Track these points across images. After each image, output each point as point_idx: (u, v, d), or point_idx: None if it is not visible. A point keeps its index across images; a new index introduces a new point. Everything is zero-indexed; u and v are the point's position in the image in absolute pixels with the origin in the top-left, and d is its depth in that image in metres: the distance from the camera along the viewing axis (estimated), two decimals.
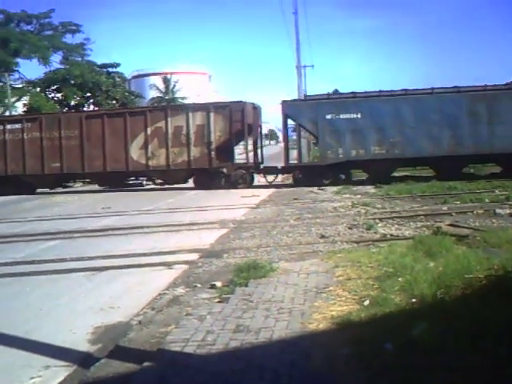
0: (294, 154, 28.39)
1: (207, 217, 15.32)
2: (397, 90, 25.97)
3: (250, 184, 26.46)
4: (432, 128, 24.65)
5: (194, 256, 10.12)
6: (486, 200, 16.27)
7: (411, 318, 5.26)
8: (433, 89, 25.83)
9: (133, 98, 55.23)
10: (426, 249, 8.34)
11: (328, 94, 28.92)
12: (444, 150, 24.62)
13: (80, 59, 50.80)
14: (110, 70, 51.88)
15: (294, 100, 29.95)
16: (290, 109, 26.69)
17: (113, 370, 5.01)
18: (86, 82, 47.71)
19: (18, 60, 48.11)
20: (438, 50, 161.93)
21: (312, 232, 12.01)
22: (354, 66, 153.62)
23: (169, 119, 26.46)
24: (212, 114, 26.35)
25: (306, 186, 23.94)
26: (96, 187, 28.29)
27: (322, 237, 11.33)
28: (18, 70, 49.28)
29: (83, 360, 5.39)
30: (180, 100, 59.07)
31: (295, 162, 27.46)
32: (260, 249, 10.44)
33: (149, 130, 26.50)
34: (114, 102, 50.76)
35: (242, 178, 26.44)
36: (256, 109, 28.08)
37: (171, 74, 68.42)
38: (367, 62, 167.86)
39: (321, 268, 8.09)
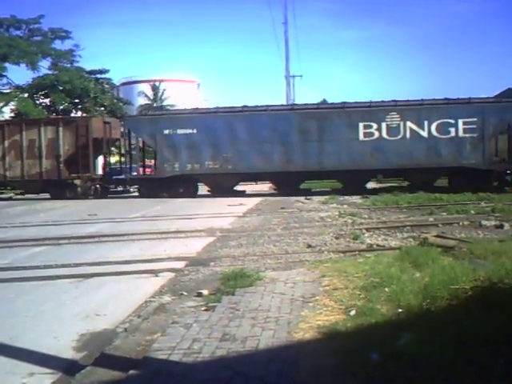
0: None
1: (194, 225, 15.30)
2: (236, 107, 27.21)
3: (101, 195, 27.85)
4: (264, 144, 25.53)
5: (180, 264, 10.09)
6: (472, 212, 16.39)
7: (397, 328, 5.28)
8: (268, 106, 26.98)
9: (121, 104, 55.04)
10: (412, 259, 8.38)
11: (167, 110, 31.29)
12: (276, 166, 25.59)
13: (69, 65, 50.57)
14: (99, 76, 51.63)
15: (136, 115, 31.80)
16: (131, 124, 28.39)
17: (98, 377, 4.98)
18: (74, 88, 47.46)
19: (7, 65, 47.79)
20: (427, 60, 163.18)
21: (299, 241, 12.03)
22: (342, 76, 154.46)
23: (24, 133, 28.11)
24: (61, 129, 28.03)
25: (150, 198, 25.35)
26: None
27: (309, 246, 11.36)
28: (6, 75, 48.97)
29: (68, 367, 5.34)
30: (168, 107, 58.92)
31: (135, 174, 29.05)
32: (247, 257, 10.44)
33: (6, 143, 28.25)
34: (103, 108, 50.57)
35: (90, 189, 27.94)
36: (109, 123, 29.32)
37: (160, 81, 68.42)
38: (356, 72, 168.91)
39: (307, 277, 8.10)
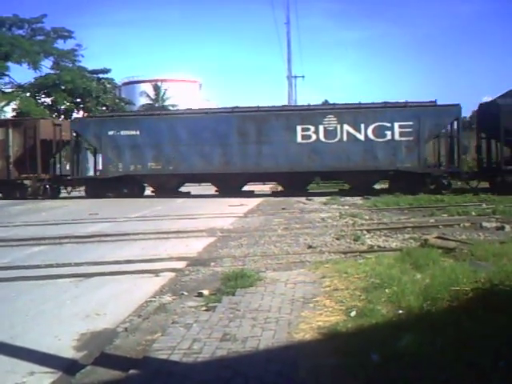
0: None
1: (195, 225, 15.30)
2: (178, 110, 28.25)
3: (52, 196, 28.27)
4: (205, 146, 25.96)
5: (181, 264, 10.09)
6: (473, 213, 16.39)
7: (398, 329, 5.27)
8: (209, 109, 28.54)
9: (123, 104, 55.10)
10: (413, 261, 8.37)
11: (113, 112, 31.91)
12: (216, 167, 26.02)
13: (71, 65, 50.60)
14: (101, 75, 51.70)
15: (82, 117, 33.73)
16: (77, 126, 28.70)
17: (98, 377, 4.97)
18: (76, 88, 47.52)
19: (9, 64, 47.83)
20: (429, 61, 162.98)
21: (299, 242, 12.03)
22: (344, 77, 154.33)
23: None
24: (10, 130, 28.43)
25: (97, 198, 25.75)
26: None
27: (310, 247, 11.35)
28: (8, 75, 49.01)
29: (68, 367, 5.34)
30: (170, 107, 58.94)
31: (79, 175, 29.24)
32: (247, 258, 10.44)
33: None
34: (105, 108, 50.61)
35: (40, 189, 28.32)
36: (59, 125, 29.81)
37: (162, 81, 68.40)
38: (358, 72, 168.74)
39: (308, 278, 8.09)
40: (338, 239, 12.20)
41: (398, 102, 26.27)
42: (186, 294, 7.80)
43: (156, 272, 9.40)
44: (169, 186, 26.86)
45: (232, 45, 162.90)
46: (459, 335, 4.92)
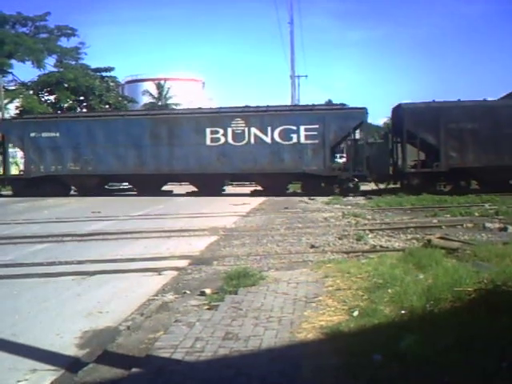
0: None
1: (198, 224, 15.30)
2: (95, 113, 30.90)
3: None
4: (120, 148, 26.72)
5: (183, 263, 10.09)
6: (476, 214, 16.37)
7: (400, 329, 5.27)
8: (125, 112, 29.62)
9: (126, 102, 55.09)
10: (415, 261, 8.36)
11: (37, 115, 33.75)
12: (131, 168, 26.78)
13: (74, 63, 50.63)
14: (104, 73, 51.74)
15: (7, 119, 34.50)
16: (2, 127, 29.62)
17: (100, 375, 4.98)
18: (79, 86, 47.55)
19: (12, 62, 47.88)
20: (433, 62, 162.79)
21: (302, 241, 12.03)
22: (348, 77, 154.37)
23: None
24: None
25: (23, 197, 26.41)
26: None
27: (312, 246, 11.35)
28: (11, 72, 49.06)
29: (71, 364, 5.35)
30: (173, 106, 58.92)
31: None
32: (250, 257, 10.44)
33: None
34: (107, 106, 50.64)
35: None
36: None
37: (165, 80, 68.34)
38: (362, 72, 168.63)
39: (310, 278, 8.09)
40: (340, 239, 12.19)
41: (303, 106, 27.01)
42: (188, 292, 7.80)
43: (158, 270, 9.40)
44: (88, 186, 27.66)
45: (235, 44, 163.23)
46: (462, 336, 4.91)
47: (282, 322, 5.96)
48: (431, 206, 19.03)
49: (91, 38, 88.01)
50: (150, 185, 26.85)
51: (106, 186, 29.87)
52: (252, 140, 25.73)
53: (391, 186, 26.30)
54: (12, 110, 47.45)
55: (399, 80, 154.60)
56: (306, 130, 25.26)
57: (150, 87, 67.93)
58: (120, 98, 54.43)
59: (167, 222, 15.90)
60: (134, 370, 4.93)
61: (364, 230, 13.46)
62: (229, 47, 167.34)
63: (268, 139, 25.59)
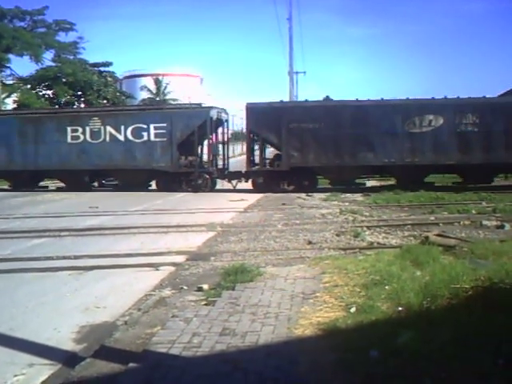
0: None
1: (195, 219, 15.30)
2: None
3: None
4: None
5: (181, 258, 10.10)
6: (473, 211, 16.36)
7: (397, 326, 5.28)
8: None
9: (124, 98, 55.06)
10: (413, 258, 8.37)
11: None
12: (2, 165, 27.83)
13: (72, 57, 50.54)
14: (102, 69, 51.69)
15: None
16: None
17: (97, 370, 4.99)
18: (77, 81, 47.51)
19: (10, 56, 47.80)
20: (434, 59, 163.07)
21: (299, 238, 12.03)
22: (347, 73, 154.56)
23: None
24: None
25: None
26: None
27: (310, 243, 11.36)
28: (9, 67, 48.99)
29: (68, 359, 5.36)
30: (171, 101, 58.87)
31: None
32: (247, 253, 10.44)
33: None
34: (105, 101, 50.58)
35: None
36: None
37: (163, 75, 68.33)
38: (361, 69, 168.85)
39: (308, 274, 8.10)
40: (337, 235, 12.21)
41: (153, 105, 28.90)
42: (185, 288, 7.81)
43: (156, 266, 9.41)
44: None
45: (234, 40, 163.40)
46: (459, 333, 4.93)
47: (279, 318, 5.97)
48: (428, 204, 19.03)
49: (89, 32, 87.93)
50: (23, 180, 27.97)
51: None
52: (107, 138, 26.90)
53: (244, 183, 26.90)
54: (10, 104, 47.39)
55: (398, 77, 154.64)
56: (155, 128, 26.39)
57: (148, 83, 67.89)
58: (118, 94, 54.37)
59: (165, 218, 15.90)
60: (131, 364, 4.94)
61: (361, 226, 13.46)
62: (227, 43, 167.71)
63: (121, 137, 26.72)
